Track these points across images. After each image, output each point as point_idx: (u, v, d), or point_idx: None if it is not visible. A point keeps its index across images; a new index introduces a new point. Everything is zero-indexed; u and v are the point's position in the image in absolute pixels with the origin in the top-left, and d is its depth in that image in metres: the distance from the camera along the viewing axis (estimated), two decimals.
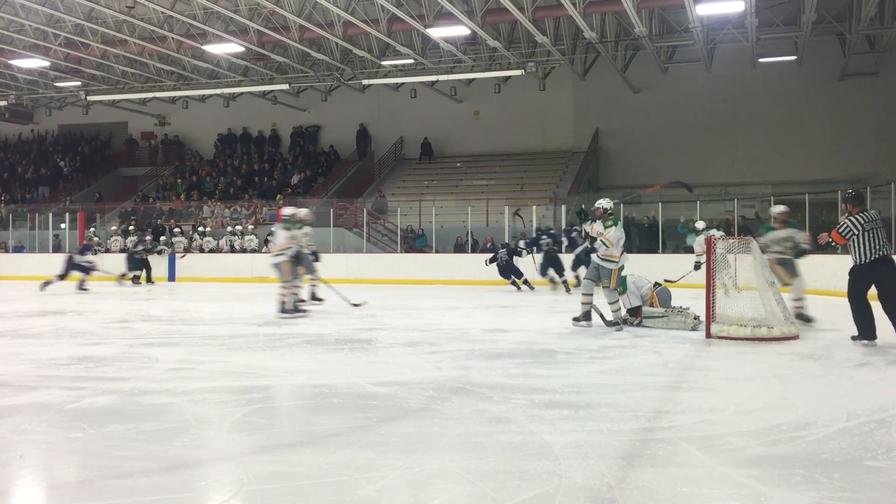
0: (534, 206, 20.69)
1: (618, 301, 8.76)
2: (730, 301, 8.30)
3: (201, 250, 22.92)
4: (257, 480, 3.27)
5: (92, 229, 24.17)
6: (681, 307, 9.04)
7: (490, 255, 17.28)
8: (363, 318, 10.36)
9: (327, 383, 5.47)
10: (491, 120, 27.62)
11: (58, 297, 14.84)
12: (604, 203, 8.96)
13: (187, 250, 22.46)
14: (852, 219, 7.24)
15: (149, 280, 20.62)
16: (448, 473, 3.39)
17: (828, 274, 15.54)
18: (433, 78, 24.51)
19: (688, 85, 25.27)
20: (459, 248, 21.41)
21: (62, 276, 17.13)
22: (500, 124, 27.45)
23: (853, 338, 7.59)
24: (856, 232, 7.20)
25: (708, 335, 7.99)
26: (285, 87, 25.84)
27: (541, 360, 6.64)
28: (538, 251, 16.49)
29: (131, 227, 23.37)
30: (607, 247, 8.64)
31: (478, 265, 19.30)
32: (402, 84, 26.89)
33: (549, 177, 25.55)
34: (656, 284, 9.20)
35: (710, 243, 8.40)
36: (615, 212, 9.10)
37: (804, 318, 8.97)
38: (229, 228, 23.62)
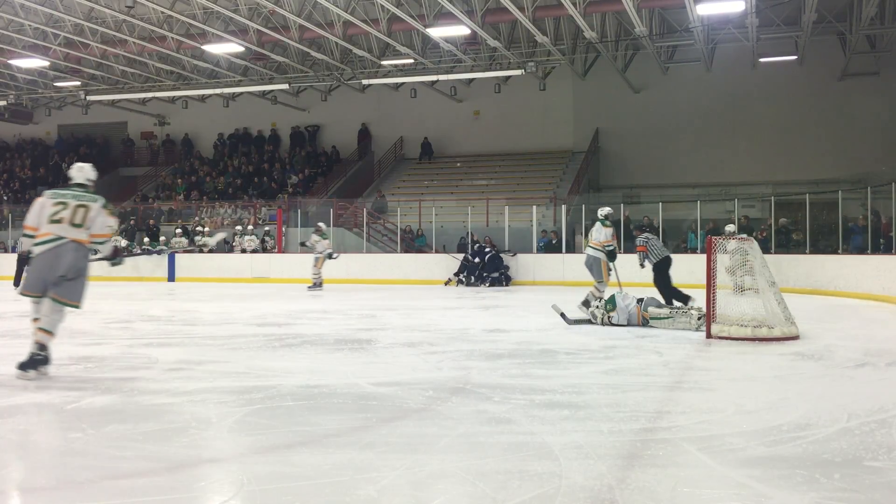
0: (534, 206, 20.69)
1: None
2: (730, 301, 8.29)
3: (200, 250, 22.91)
4: (257, 480, 3.27)
5: None
6: (683, 307, 9.04)
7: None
8: (363, 318, 10.36)
9: (327, 383, 5.46)
10: (491, 120, 27.61)
11: None
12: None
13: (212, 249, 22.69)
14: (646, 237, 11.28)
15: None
16: (448, 474, 3.39)
17: (829, 275, 15.56)
18: (433, 78, 24.51)
19: (688, 85, 25.27)
20: (462, 248, 21.40)
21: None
22: (500, 124, 27.45)
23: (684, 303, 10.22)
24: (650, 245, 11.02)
25: (708, 335, 7.99)
26: (285, 86, 25.83)
27: (541, 360, 6.64)
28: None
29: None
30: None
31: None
32: (402, 84, 26.88)
33: (549, 177, 25.55)
34: (639, 300, 9.23)
35: (710, 243, 8.40)
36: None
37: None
38: (228, 235, 23.64)
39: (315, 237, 17.85)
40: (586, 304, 10.29)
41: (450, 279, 19.33)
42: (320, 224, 18.60)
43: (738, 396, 5.04)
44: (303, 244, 18.62)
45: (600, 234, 10.86)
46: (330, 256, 17.58)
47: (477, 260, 19.01)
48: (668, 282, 10.85)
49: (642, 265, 11.24)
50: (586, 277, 18.38)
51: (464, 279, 18.97)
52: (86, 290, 5.89)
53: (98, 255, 6.06)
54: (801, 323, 8.22)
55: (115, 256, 6.23)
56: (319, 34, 20.44)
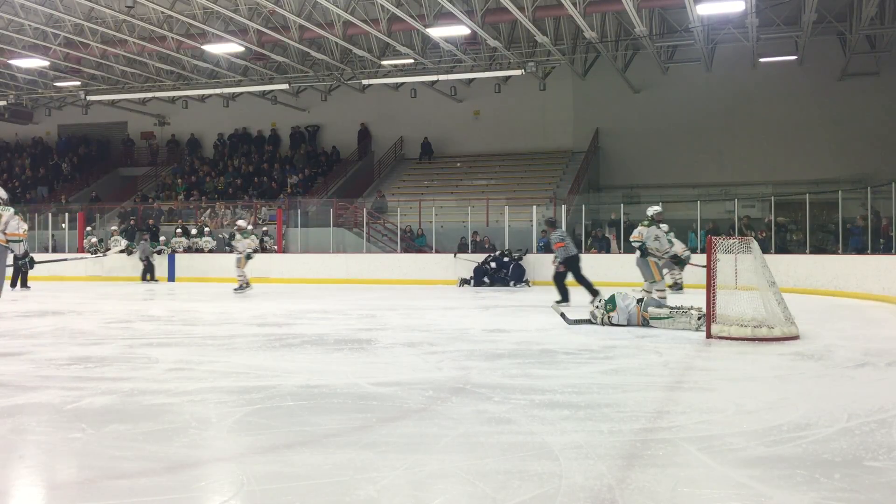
0: (534, 206, 20.69)
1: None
2: (730, 301, 8.27)
3: (199, 250, 22.93)
4: (257, 480, 3.26)
5: (88, 228, 24.16)
6: (683, 307, 9.04)
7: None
8: (363, 318, 10.36)
9: (327, 383, 5.46)
10: (491, 120, 27.62)
11: (57, 297, 14.84)
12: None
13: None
14: (561, 234, 12.64)
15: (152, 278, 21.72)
16: (448, 474, 3.38)
17: (829, 275, 15.56)
18: (433, 78, 24.52)
19: (688, 85, 25.28)
20: (463, 248, 21.40)
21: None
22: (500, 124, 27.45)
23: (557, 302, 11.93)
24: (566, 243, 12.45)
25: (708, 335, 7.98)
26: (285, 86, 25.84)
27: (541, 360, 6.63)
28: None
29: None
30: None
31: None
32: (402, 84, 26.90)
33: (549, 177, 25.55)
34: (639, 301, 9.23)
35: (710, 243, 8.40)
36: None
37: None
38: (233, 229, 23.65)
39: (238, 236, 16.75)
40: (658, 306, 9.96)
41: (464, 281, 19.00)
42: (240, 222, 17.60)
43: (738, 396, 5.04)
44: (228, 244, 17.74)
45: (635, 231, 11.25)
46: (248, 256, 16.32)
47: (493, 265, 18.84)
48: (564, 279, 12.42)
49: (559, 259, 12.53)
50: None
51: (473, 281, 18.77)
52: (2, 281, 7.62)
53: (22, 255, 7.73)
54: (801, 323, 8.22)
55: (25, 256, 7.69)
56: (319, 34, 20.45)
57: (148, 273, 21.75)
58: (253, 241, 16.66)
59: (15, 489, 3.30)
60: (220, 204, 26.32)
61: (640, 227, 11.26)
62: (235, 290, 16.33)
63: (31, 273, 21.39)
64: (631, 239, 11.27)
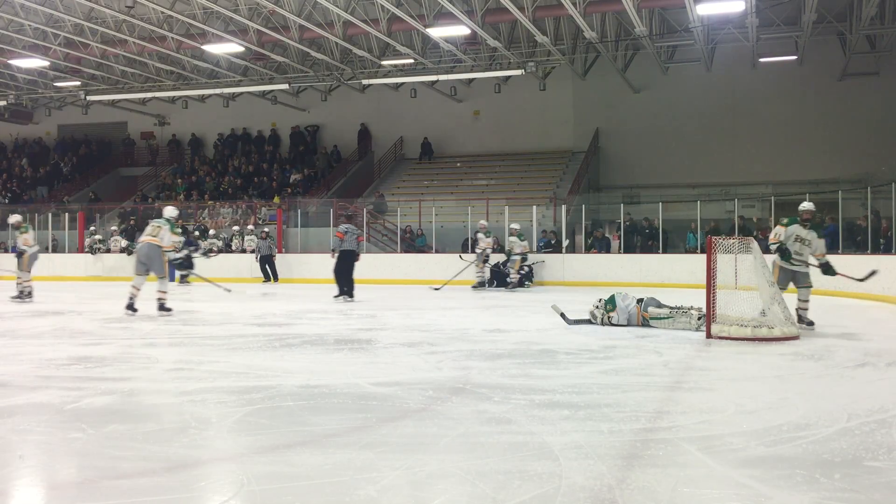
0: (534, 206, 20.68)
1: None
2: (730, 301, 8.26)
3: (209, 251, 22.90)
4: (257, 480, 3.27)
5: (91, 228, 24.15)
6: (683, 307, 9.04)
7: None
8: (363, 318, 10.36)
9: (327, 383, 5.46)
10: (491, 120, 27.62)
11: (57, 297, 14.83)
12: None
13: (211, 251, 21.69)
14: (346, 228, 13.54)
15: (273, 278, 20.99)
16: (448, 474, 3.39)
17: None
18: (433, 78, 24.51)
19: (688, 85, 25.27)
20: (466, 248, 21.31)
21: None
22: (500, 124, 27.45)
23: (335, 297, 13.40)
24: (346, 237, 13.46)
25: (708, 335, 7.99)
26: (285, 86, 25.83)
27: (541, 360, 6.63)
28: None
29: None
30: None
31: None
32: (402, 84, 26.89)
33: (549, 177, 25.55)
34: (639, 301, 9.22)
35: (710, 243, 8.39)
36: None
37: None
38: (236, 228, 23.64)
39: (17, 233, 13.52)
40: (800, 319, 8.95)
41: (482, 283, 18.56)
42: (14, 217, 14.00)
43: (738, 396, 5.04)
44: (14, 247, 14.18)
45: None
46: (21, 255, 13.25)
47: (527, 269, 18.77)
48: (349, 273, 13.39)
49: (333, 250, 13.66)
50: (585, 277, 18.51)
51: (487, 283, 18.52)
52: (165, 274, 10.73)
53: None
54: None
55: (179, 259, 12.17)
56: (319, 34, 20.44)
57: (269, 273, 20.57)
58: (31, 238, 13.41)
59: (15, 489, 3.30)
60: (219, 204, 26.32)
61: (778, 227, 9.29)
62: (13, 297, 13.18)
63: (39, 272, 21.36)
64: (769, 242, 9.30)
